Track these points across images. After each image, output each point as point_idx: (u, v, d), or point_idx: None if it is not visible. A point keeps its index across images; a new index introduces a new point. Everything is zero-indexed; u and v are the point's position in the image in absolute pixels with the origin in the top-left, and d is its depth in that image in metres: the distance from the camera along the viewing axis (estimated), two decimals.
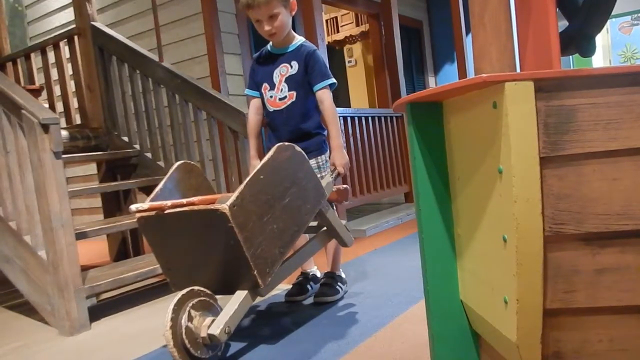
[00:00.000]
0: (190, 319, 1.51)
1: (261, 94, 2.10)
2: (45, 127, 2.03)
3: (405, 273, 2.47)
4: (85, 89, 3.72)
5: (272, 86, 2.05)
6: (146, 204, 1.63)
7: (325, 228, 1.98)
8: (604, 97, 0.88)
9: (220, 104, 3.03)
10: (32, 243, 2.22)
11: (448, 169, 1.21)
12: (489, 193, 1.00)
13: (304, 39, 2.09)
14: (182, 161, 1.93)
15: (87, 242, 2.71)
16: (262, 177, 1.58)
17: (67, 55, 3.83)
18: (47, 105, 4.27)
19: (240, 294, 1.57)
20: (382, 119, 4.49)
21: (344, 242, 2.02)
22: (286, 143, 1.71)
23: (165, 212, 1.58)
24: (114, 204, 3.59)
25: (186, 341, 1.48)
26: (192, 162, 1.98)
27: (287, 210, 1.65)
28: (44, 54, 4.07)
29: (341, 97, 6.33)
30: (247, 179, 1.55)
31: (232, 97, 4.18)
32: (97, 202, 4.45)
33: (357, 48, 6.45)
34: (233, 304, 1.55)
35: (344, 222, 2.02)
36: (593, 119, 0.89)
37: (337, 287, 2.22)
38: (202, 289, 1.59)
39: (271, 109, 2.07)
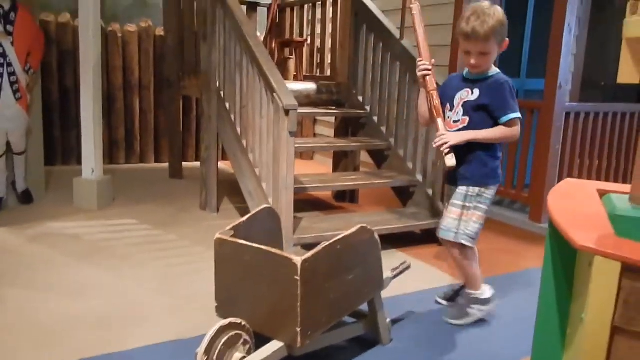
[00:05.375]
0: (223, 350, 1.60)
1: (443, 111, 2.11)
2: (287, 111, 2.57)
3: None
4: (338, 46, 4.23)
5: (452, 108, 2.09)
6: (228, 235, 1.77)
7: (366, 317, 1.98)
8: None
9: None
10: (266, 190, 2.89)
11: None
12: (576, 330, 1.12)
13: (498, 71, 2.05)
14: (266, 206, 2.04)
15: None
16: (339, 247, 1.69)
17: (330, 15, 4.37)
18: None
19: (276, 344, 1.64)
20: None
21: (380, 340, 1.98)
22: (368, 227, 1.82)
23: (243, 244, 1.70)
24: (341, 154, 4.18)
25: None
26: (273, 209, 2.08)
27: (347, 286, 1.75)
28: (314, 7, 4.71)
29: None
30: (325, 244, 1.67)
31: None
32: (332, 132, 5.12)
33: None
34: (267, 350, 1.62)
35: (388, 320, 2.01)
36: None
37: (469, 309, 2.17)
38: (244, 323, 1.67)
39: (446, 129, 2.07)
